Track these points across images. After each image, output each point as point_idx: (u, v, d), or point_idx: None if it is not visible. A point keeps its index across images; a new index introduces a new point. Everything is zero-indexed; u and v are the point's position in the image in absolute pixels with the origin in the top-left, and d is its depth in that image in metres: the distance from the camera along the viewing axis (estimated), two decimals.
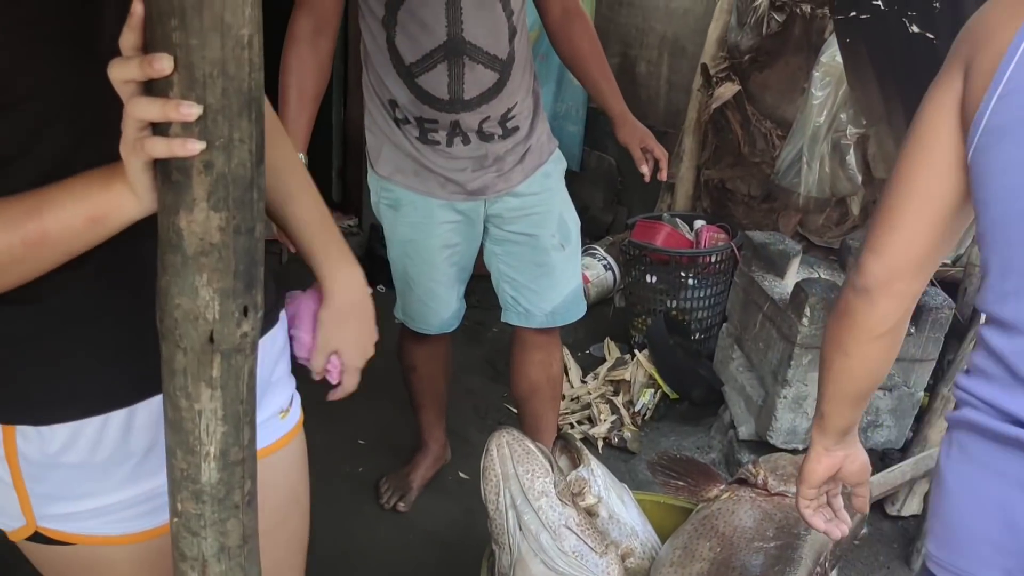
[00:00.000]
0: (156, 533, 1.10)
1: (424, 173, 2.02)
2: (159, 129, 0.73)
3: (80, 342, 0.97)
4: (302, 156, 1.95)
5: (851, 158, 2.83)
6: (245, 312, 0.80)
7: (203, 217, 0.75)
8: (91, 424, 1.00)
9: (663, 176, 2.22)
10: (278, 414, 1.25)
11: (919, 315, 2.42)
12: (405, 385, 2.45)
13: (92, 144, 0.87)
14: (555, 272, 2.15)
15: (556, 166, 2.15)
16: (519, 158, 2.05)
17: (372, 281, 4.13)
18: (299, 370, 1.32)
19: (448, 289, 2.19)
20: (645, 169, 2.20)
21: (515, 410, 2.94)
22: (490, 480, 1.74)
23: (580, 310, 2.23)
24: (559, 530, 1.67)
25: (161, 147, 0.73)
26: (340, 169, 4.13)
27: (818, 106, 2.80)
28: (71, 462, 1.01)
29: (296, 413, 1.31)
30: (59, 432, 0.99)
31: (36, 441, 0.99)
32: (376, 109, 2.02)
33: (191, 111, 0.70)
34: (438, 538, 2.37)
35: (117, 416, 1.01)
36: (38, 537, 1.05)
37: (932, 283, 2.86)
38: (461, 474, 2.61)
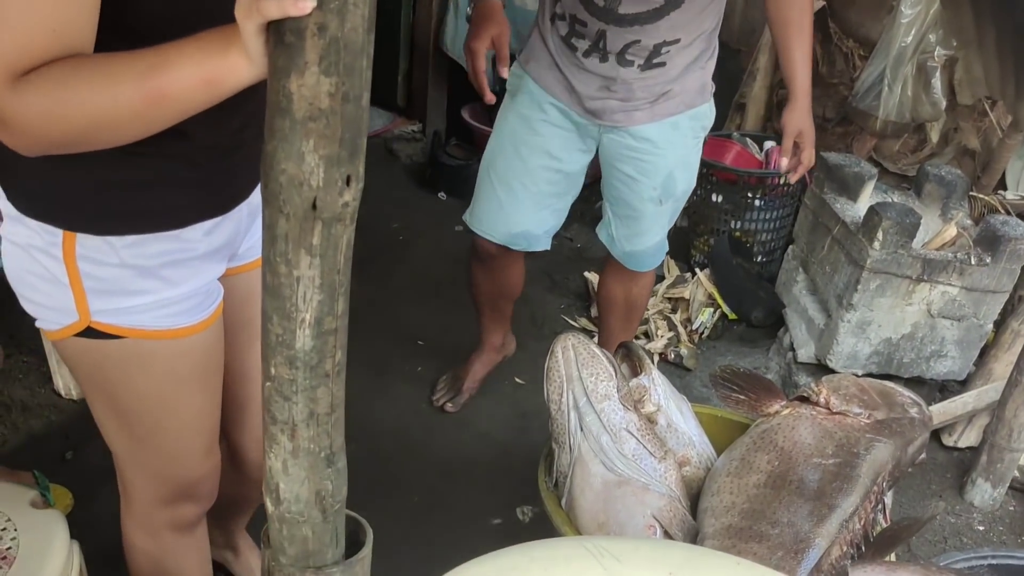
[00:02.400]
0: (190, 330, 1.24)
1: (555, 71, 1.97)
2: None
3: (166, 168, 1.12)
4: None
5: (936, 81, 2.74)
6: (348, 181, 0.81)
7: (314, 81, 0.74)
8: (157, 235, 1.15)
9: (793, 178, 2.11)
10: None
11: (995, 244, 2.36)
12: (474, 299, 2.44)
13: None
14: (643, 221, 2.10)
15: (693, 121, 2.02)
16: (652, 98, 1.95)
17: (434, 188, 4.16)
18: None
19: (532, 200, 2.09)
20: (785, 163, 2.08)
21: (571, 322, 2.96)
22: (554, 381, 1.76)
23: (658, 260, 2.21)
24: (620, 433, 1.69)
25: (274, 8, 0.73)
26: (406, 73, 4.09)
27: (906, 25, 2.70)
28: (128, 263, 1.15)
29: None
30: (125, 240, 1.13)
31: (98, 244, 1.12)
32: (537, 18, 2.00)
33: None
34: (492, 439, 2.42)
35: (187, 230, 1.18)
36: (88, 332, 1.17)
37: (1009, 212, 2.78)
38: (517, 379, 2.64)
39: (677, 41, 1.87)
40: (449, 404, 2.49)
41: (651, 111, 1.95)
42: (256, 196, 1.29)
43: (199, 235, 1.21)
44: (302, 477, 0.96)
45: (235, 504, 1.72)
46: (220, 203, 1.22)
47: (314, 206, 0.80)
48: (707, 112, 2.05)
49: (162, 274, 1.18)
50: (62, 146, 0.94)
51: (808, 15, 1.99)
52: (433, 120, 4.02)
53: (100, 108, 0.88)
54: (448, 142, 3.84)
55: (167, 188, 1.14)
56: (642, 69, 1.89)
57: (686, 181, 2.09)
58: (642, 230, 2.12)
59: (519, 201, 2.08)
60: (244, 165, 1.19)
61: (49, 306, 1.17)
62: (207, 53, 0.84)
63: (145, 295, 1.18)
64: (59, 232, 1.11)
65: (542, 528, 2.08)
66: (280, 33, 0.74)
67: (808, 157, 2.05)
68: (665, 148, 2.00)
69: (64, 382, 2.30)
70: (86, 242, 1.12)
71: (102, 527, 1.60)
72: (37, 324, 1.21)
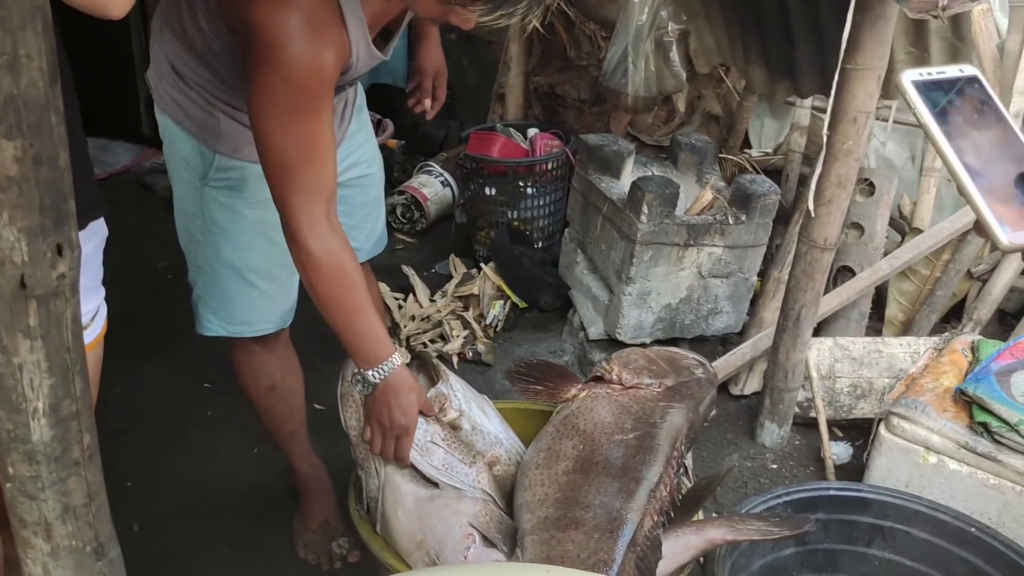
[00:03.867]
0: None
1: None
2: None
3: None
4: (398, 357, 1.61)
5: (674, 55, 2.88)
6: (60, 251, 0.73)
7: None
8: None
9: (432, 114, 2.09)
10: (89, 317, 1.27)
11: (748, 202, 2.52)
12: (262, 416, 2.07)
13: None
14: (379, 203, 2.05)
15: (362, 96, 1.95)
16: (344, 103, 1.85)
17: None
18: None
19: (292, 272, 1.79)
20: (428, 104, 2.03)
21: None
22: (349, 406, 1.70)
23: (385, 241, 2.13)
24: (426, 447, 1.66)
25: None
26: (148, 100, 3.83)
27: (639, 4, 2.82)
28: None
29: (98, 326, 1.32)
30: None
31: None
32: (206, 99, 1.67)
33: None
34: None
35: None
36: None
37: (757, 171, 2.99)
38: (316, 405, 2.54)
39: None
40: (347, 558, 2.09)
41: (348, 112, 1.88)
42: None
43: None
44: None
45: None
46: None
47: (23, 284, 0.71)
48: None
49: None
50: None
51: None
52: None
53: None
54: None
55: None
56: (340, 92, 1.76)
57: None
58: (379, 211, 2.06)
59: (284, 282, 1.88)
60: None
61: None
62: None
63: None
64: None
65: (364, 557, 2.03)
66: None
67: (443, 93, 2.06)
68: (364, 129, 1.96)
69: None
70: None
71: None
72: None
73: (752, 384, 2.62)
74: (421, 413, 1.66)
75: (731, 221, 2.52)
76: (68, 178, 0.72)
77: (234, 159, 1.70)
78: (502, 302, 2.98)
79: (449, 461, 1.67)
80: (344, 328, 1.58)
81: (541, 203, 3.14)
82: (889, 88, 2.23)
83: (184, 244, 1.86)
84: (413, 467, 1.65)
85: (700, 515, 1.72)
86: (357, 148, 1.93)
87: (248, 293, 1.85)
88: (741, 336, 2.72)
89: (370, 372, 1.59)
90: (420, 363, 1.86)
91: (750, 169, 3.05)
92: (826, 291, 2.50)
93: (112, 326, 2.86)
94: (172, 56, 1.68)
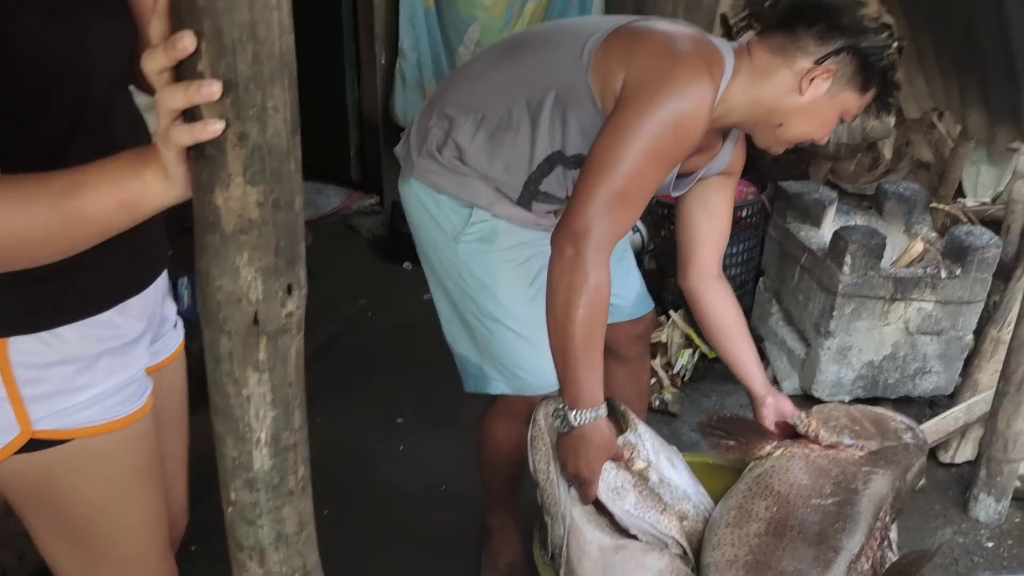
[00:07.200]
0: (132, 419, 1.22)
1: (524, 214, 1.77)
2: (192, 112, 0.71)
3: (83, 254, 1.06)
4: (603, 410, 1.60)
5: None
6: (289, 290, 0.77)
7: (240, 192, 0.71)
8: (90, 321, 1.13)
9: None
10: (173, 324, 1.39)
11: (963, 255, 2.35)
12: (490, 473, 2.08)
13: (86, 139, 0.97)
14: (630, 261, 2.03)
15: None
16: None
17: (398, 260, 4.05)
18: None
19: None
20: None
21: None
22: (539, 450, 1.70)
23: (651, 302, 2.10)
24: (618, 489, 1.62)
25: (185, 135, 0.71)
26: (358, 147, 4.09)
27: None
28: (68, 358, 1.12)
29: (181, 324, 1.44)
30: (60, 333, 1.10)
31: (32, 346, 1.09)
32: (459, 169, 1.75)
33: (212, 90, 0.68)
34: (477, 510, 2.32)
35: (110, 312, 1.16)
36: (31, 445, 1.12)
37: (972, 221, 2.79)
38: None
39: None
40: None
41: None
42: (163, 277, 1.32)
43: (129, 319, 1.21)
44: None
45: None
46: (140, 276, 1.23)
47: (256, 321, 0.76)
48: None
49: (99, 364, 1.16)
50: None
51: (740, 311, 1.94)
52: (390, 191, 4.00)
53: (16, 228, 0.84)
54: None
55: (92, 270, 1.11)
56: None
57: None
58: (633, 271, 2.03)
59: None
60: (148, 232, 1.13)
61: None
62: (122, 174, 0.81)
63: (88, 389, 1.15)
64: None
65: None
66: (200, 147, 0.71)
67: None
68: None
69: None
70: (19, 346, 1.08)
71: None
72: None
73: (965, 452, 2.42)
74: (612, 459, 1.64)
75: (943, 275, 2.36)
76: (301, 221, 0.76)
77: (488, 212, 1.75)
78: (691, 351, 2.91)
79: (641, 505, 1.63)
80: (575, 359, 1.54)
81: (733, 251, 3.06)
82: None
83: (445, 315, 1.90)
84: (601, 512, 1.63)
85: None
86: None
87: (518, 346, 1.82)
88: (952, 399, 2.52)
89: (573, 413, 1.57)
90: (609, 410, 1.84)
91: (964, 220, 2.85)
92: None
93: (313, 358, 3.02)
94: (456, 131, 1.73)
